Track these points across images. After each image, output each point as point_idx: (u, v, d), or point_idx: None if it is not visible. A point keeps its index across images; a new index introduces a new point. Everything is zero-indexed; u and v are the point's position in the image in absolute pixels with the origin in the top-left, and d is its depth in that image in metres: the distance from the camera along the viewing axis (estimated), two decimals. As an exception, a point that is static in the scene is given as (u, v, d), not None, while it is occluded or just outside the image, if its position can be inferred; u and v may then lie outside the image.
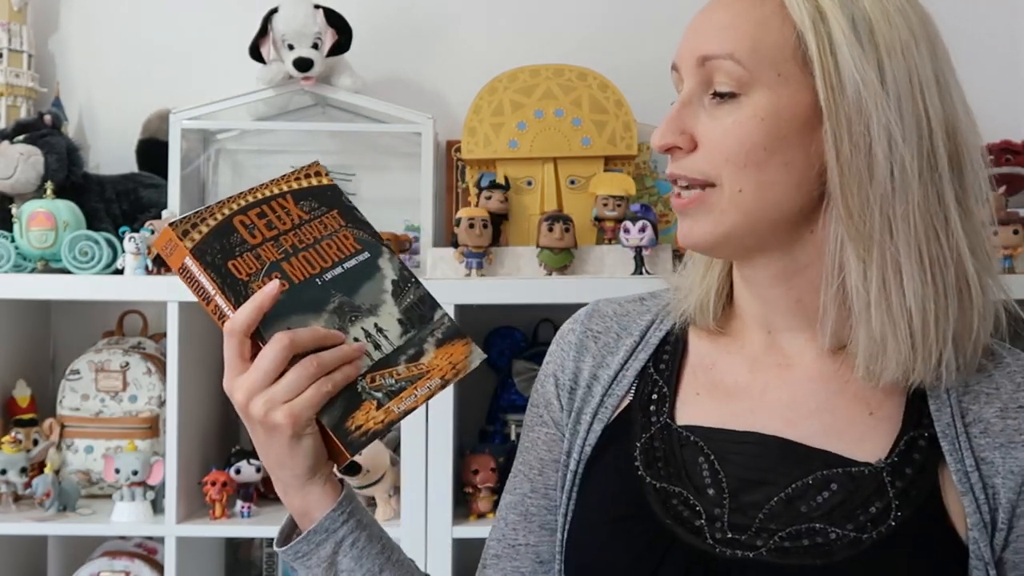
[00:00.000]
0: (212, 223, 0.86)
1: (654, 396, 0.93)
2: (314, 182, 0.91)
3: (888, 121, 0.79)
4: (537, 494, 0.98)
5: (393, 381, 0.86)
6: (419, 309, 0.90)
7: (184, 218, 0.85)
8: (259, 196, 0.89)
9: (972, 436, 0.84)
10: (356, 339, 0.87)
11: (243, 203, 0.87)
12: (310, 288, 0.86)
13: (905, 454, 0.84)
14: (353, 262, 0.89)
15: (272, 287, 0.84)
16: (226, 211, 0.87)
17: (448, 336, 0.90)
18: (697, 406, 0.91)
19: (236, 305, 0.83)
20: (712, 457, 0.87)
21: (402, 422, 1.68)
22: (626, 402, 0.94)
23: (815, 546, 0.81)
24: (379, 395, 0.86)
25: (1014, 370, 0.86)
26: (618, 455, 0.92)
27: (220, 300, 0.84)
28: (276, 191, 0.89)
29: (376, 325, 0.88)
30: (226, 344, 0.83)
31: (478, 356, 0.91)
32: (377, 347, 0.87)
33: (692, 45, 0.86)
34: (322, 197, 0.91)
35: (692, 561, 0.83)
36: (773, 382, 0.89)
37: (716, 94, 0.84)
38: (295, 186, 0.90)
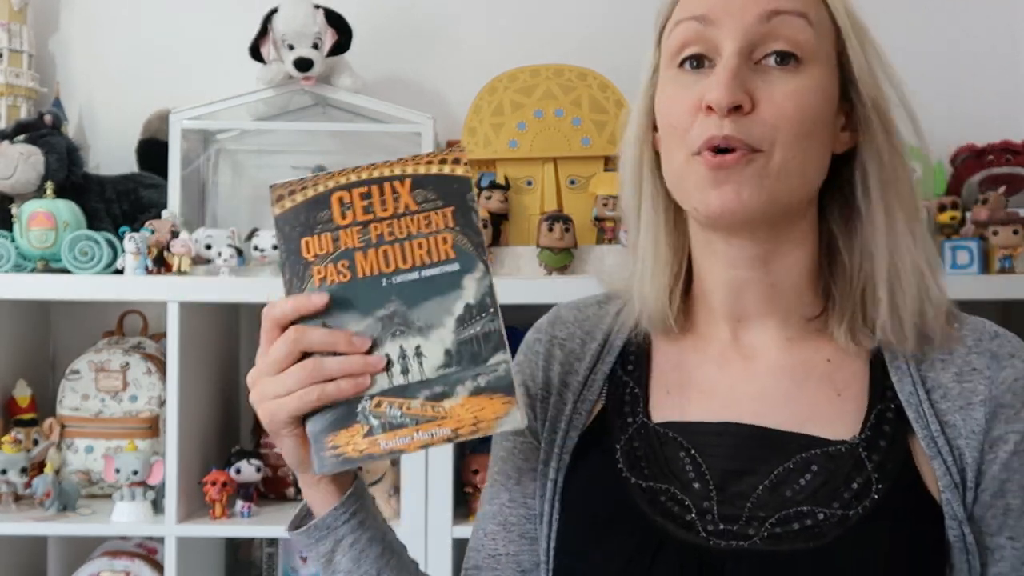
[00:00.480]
0: (311, 193, 0.82)
1: (626, 398, 0.93)
2: (446, 170, 0.82)
3: (892, 117, 0.86)
4: (515, 503, 0.97)
5: (399, 414, 0.80)
6: (477, 345, 0.80)
7: (289, 182, 0.82)
8: (378, 174, 0.82)
9: (934, 402, 0.86)
10: (387, 355, 0.80)
11: (355, 178, 0.82)
12: (370, 287, 0.81)
13: (876, 428, 0.86)
14: (435, 271, 0.81)
15: (319, 299, 0.81)
16: (331, 183, 0.82)
17: (491, 387, 0.79)
18: (669, 404, 0.91)
19: (287, 283, 0.82)
20: (693, 451, 0.87)
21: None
22: (599, 406, 0.94)
23: (805, 529, 0.82)
24: (375, 422, 0.80)
25: (965, 334, 0.88)
26: (599, 459, 0.91)
27: (283, 272, 0.83)
28: (399, 171, 0.82)
29: (418, 348, 0.80)
30: (262, 322, 0.83)
31: (513, 421, 0.80)
32: (405, 371, 0.80)
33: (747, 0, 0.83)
34: (444, 188, 0.82)
35: (686, 556, 0.84)
36: (740, 376, 0.90)
37: (779, 56, 0.83)
38: (422, 171, 0.82)
